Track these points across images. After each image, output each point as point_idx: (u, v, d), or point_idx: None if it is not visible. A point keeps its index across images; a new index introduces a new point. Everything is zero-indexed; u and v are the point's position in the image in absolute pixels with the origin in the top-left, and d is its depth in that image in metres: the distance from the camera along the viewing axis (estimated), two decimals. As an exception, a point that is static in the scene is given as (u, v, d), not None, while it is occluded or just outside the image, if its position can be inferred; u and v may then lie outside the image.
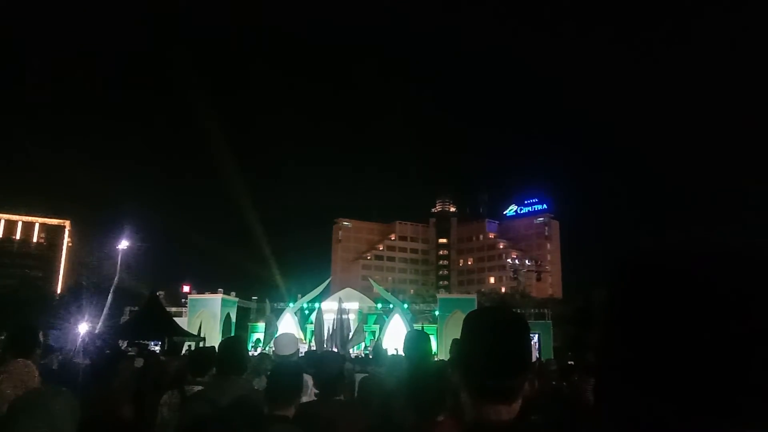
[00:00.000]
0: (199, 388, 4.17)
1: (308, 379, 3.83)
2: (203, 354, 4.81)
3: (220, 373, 3.87)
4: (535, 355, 27.57)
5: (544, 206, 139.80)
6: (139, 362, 8.70)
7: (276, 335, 10.48)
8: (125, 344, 18.76)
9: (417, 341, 4.12)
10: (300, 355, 6.38)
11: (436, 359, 9.50)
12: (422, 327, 30.03)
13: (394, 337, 28.84)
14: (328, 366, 3.64)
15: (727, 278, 0.66)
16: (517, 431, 1.33)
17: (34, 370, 3.86)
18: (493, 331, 1.39)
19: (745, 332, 0.62)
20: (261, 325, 34.35)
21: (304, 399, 3.76)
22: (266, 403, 2.81)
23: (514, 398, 1.36)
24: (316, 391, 3.68)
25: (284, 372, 2.97)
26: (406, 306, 37.06)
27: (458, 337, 1.49)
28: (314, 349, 22.09)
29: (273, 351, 5.80)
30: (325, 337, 25.39)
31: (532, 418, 1.58)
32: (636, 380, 0.67)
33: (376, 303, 42.15)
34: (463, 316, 1.50)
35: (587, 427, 3.73)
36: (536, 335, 30.39)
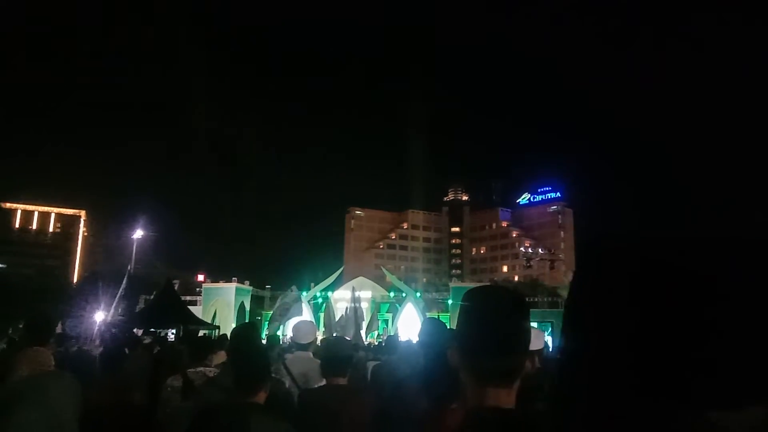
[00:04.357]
0: (210, 371, 4.21)
1: (317, 367, 3.82)
2: (201, 342, 5.06)
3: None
4: (542, 342, 27.50)
5: (558, 194, 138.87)
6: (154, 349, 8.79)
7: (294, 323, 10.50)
8: (141, 332, 18.98)
9: (433, 329, 4.09)
10: (318, 344, 6.42)
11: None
12: (438, 315, 30.04)
13: (407, 326, 28.92)
14: (336, 350, 3.62)
15: (696, 263, 0.64)
16: (517, 420, 1.28)
17: (50, 356, 3.89)
18: (490, 309, 1.36)
19: (710, 317, 0.60)
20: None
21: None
22: (234, 389, 2.53)
23: (513, 379, 1.32)
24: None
25: (248, 355, 2.65)
26: (418, 294, 37.18)
27: None
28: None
29: (290, 338, 5.85)
30: (339, 326, 25.54)
31: (533, 406, 1.52)
32: (606, 369, 0.65)
33: (389, 292, 42.28)
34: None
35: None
36: (550, 324, 30.36)
